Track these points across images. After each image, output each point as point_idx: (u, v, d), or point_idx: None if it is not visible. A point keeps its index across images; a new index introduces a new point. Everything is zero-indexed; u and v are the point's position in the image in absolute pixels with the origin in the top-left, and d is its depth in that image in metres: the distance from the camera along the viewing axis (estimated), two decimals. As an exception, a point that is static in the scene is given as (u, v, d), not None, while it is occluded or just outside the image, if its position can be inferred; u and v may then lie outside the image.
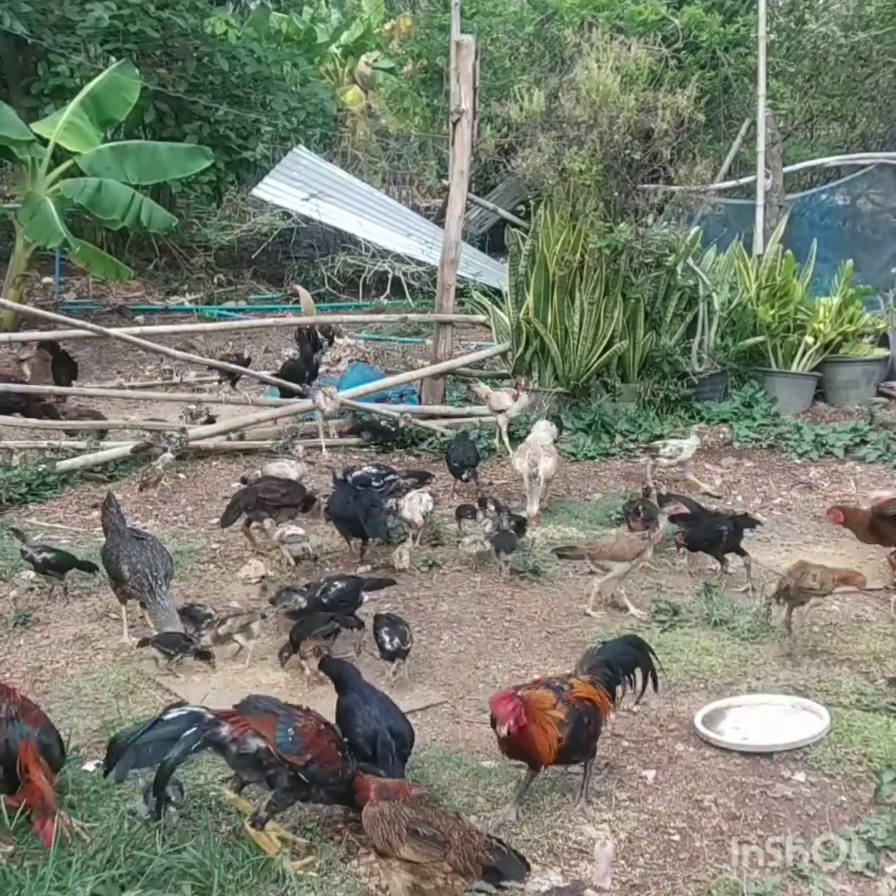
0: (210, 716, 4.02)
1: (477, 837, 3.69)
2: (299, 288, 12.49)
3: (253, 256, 18.01)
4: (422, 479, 8.19)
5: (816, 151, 17.44)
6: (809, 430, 9.74)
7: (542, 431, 8.44)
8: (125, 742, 3.93)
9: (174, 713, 4.02)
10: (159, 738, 3.89)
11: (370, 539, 7.07)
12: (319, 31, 23.69)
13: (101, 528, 6.39)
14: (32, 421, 9.36)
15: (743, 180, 14.31)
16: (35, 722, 4.22)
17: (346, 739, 4.28)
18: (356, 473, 7.63)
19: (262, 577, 6.78)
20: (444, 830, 3.68)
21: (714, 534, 6.80)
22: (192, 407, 9.86)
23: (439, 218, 15.73)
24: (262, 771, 4.02)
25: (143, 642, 5.58)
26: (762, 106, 12.54)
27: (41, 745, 4.11)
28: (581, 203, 9.88)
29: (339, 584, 5.89)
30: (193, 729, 3.92)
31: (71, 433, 9.14)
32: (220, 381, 11.17)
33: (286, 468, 7.80)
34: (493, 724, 4.29)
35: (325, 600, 5.76)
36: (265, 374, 10.98)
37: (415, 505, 7.16)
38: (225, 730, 3.98)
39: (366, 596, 5.96)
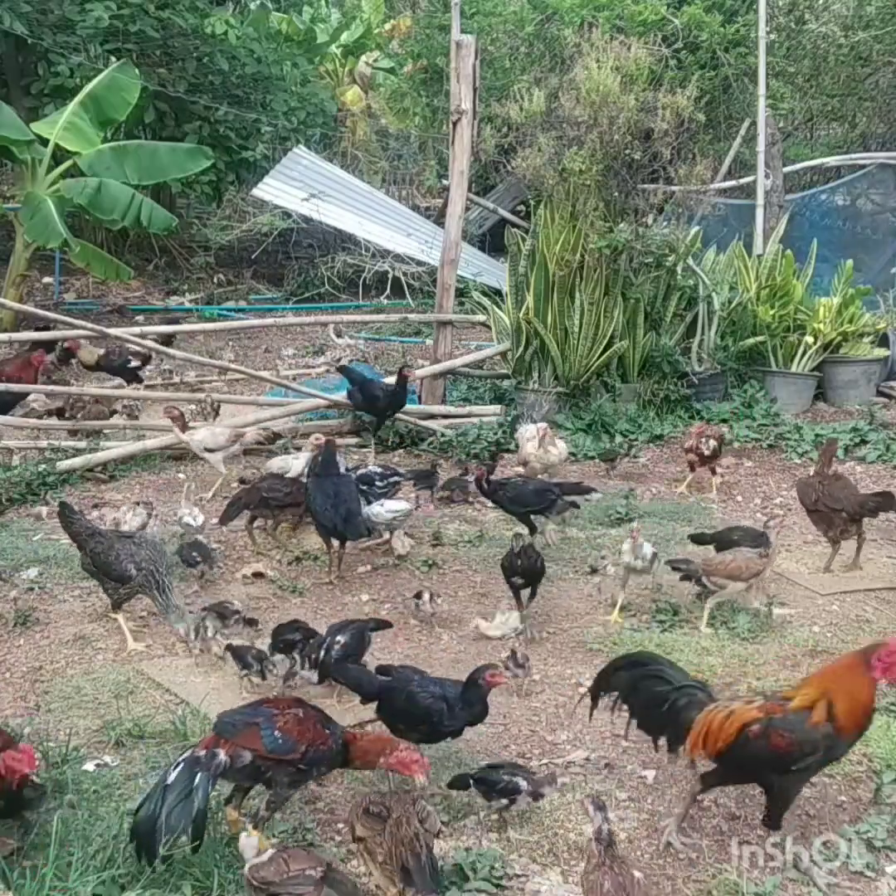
0: (203, 751, 3.96)
1: (407, 828, 3.67)
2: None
3: (253, 256, 18.00)
4: (427, 476, 8.17)
5: (816, 151, 17.44)
6: (809, 429, 9.74)
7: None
8: (151, 825, 3.77)
9: (173, 773, 3.90)
10: (178, 801, 3.81)
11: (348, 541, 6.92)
12: (319, 31, 23.65)
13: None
14: (32, 421, 9.37)
15: (743, 180, 14.31)
16: None
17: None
18: (360, 472, 7.57)
19: (255, 574, 6.78)
20: (389, 808, 3.75)
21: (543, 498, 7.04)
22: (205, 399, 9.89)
23: (439, 218, 15.72)
24: (259, 775, 4.03)
25: (228, 647, 5.47)
26: (762, 106, 12.54)
27: None
28: (581, 203, 9.88)
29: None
30: (201, 774, 3.88)
31: (72, 433, 9.15)
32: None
33: (289, 462, 7.73)
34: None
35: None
36: (266, 373, 10.99)
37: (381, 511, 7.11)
38: (223, 755, 3.95)
39: None
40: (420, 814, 3.77)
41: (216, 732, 4.08)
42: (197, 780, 3.87)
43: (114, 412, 9.91)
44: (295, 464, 7.67)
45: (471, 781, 4.35)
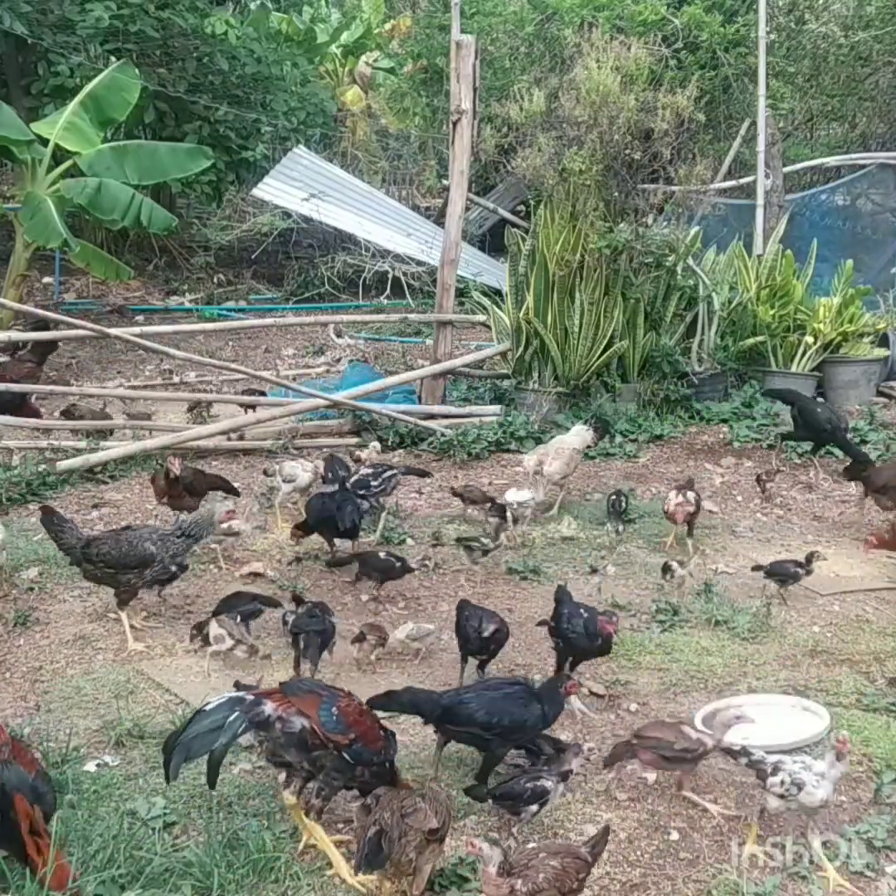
0: (251, 697, 4.01)
1: (381, 818, 3.75)
2: None
3: (253, 256, 18.02)
4: (420, 475, 8.18)
5: (816, 151, 17.43)
6: (809, 429, 9.73)
7: (574, 434, 8.48)
8: (173, 740, 3.91)
9: (215, 702, 3.99)
10: (206, 729, 3.88)
11: (356, 537, 7.00)
12: (319, 31, 23.68)
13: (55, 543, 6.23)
14: (32, 421, 9.36)
15: (743, 180, 14.31)
16: (29, 766, 4.00)
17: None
18: (353, 479, 7.54)
19: (253, 573, 6.78)
20: (379, 799, 3.90)
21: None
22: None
23: (439, 218, 15.72)
24: (306, 752, 4.01)
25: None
26: (762, 106, 12.53)
27: (36, 792, 3.88)
28: (581, 203, 9.88)
29: None
30: (236, 713, 3.91)
31: (74, 432, 9.14)
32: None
33: (297, 471, 7.66)
34: None
35: None
36: (266, 373, 10.98)
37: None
38: (269, 708, 3.97)
39: None
40: (405, 808, 3.77)
41: (281, 687, 4.11)
42: (232, 717, 3.90)
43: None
44: (302, 475, 7.64)
45: (490, 798, 4.31)
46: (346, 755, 4.01)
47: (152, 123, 16.68)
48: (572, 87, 9.90)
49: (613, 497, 7.69)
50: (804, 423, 8.91)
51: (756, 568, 6.64)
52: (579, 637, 5.30)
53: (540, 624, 5.70)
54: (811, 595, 6.63)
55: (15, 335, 11.31)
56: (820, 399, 10.21)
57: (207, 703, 4.02)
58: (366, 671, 5.58)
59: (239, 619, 5.61)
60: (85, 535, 6.21)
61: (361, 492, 7.28)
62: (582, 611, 5.39)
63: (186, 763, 3.93)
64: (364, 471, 7.70)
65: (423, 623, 6.00)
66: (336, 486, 7.31)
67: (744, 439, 9.72)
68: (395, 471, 7.69)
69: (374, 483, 7.47)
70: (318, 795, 4.07)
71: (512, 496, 7.55)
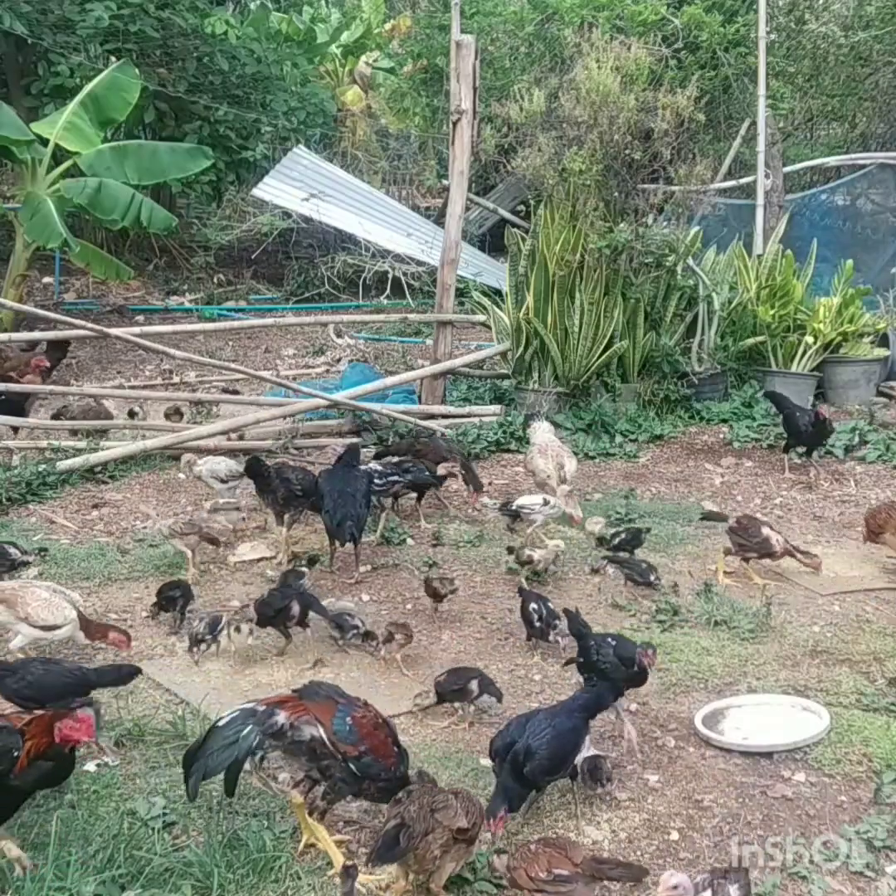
0: (263, 707, 3.97)
1: (407, 811, 3.74)
2: None
3: (253, 256, 18.02)
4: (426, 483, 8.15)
5: (816, 151, 17.44)
6: (809, 429, 9.73)
7: (548, 432, 8.40)
8: (191, 759, 3.90)
9: (227, 717, 3.96)
10: (221, 746, 3.86)
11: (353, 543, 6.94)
12: (319, 31, 23.65)
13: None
14: (32, 421, 9.37)
15: (743, 180, 14.31)
16: None
17: None
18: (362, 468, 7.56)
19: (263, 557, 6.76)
20: (411, 793, 3.90)
21: None
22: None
23: (439, 218, 15.74)
24: (315, 760, 4.00)
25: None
26: (762, 106, 12.54)
27: None
28: (581, 203, 9.89)
29: None
30: (249, 726, 3.89)
31: (74, 432, 9.14)
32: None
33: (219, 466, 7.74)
34: None
35: None
36: (266, 373, 10.97)
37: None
38: (282, 717, 3.94)
39: None
40: (436, 804, 3.74)
41: (297, 692, 4.06)
42: (245, 731, 3.88)
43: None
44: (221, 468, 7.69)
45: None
46: (353, 767, 3.97)
47: (152, 123, 16.70)
48: (572, 87, 9.90)
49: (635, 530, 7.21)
50: (788, 429, 9.11)
51: None
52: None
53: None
54: (811, 595, 6.63)
55: (16, 336, 11.33)
56: (818, 401, 10.27)
57: (220, 719, 4.00)
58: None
59: (180, 613, 5.79)
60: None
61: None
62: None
63: (206, 779, 3.93)
64: (373, 467, 7.69)
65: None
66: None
67: (744, 439, 9.72)
68: (400, 480, 7.64)
69: (377, 482, 7.46)
70: (324, 798, 4.05)
71: (525, 500, 7.40)
